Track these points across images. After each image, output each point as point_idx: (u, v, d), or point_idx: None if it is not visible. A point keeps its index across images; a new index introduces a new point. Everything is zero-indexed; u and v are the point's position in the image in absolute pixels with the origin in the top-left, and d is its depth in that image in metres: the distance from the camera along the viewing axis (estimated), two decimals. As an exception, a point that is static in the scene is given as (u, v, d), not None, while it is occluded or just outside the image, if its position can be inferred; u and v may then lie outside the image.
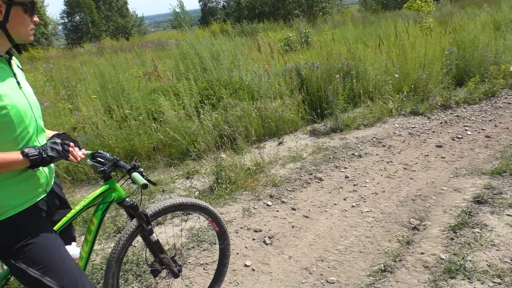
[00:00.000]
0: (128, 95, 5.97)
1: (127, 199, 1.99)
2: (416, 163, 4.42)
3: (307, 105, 5.98)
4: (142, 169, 1.90)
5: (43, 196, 1.66)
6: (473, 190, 3.65)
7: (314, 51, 10.20)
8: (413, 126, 5.49)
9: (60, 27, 41.10)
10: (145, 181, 1.75)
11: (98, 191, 1.91)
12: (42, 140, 1.68)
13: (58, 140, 1.62)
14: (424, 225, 3.18)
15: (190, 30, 8.89)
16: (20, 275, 1.54)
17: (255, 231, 3.29)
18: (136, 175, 1.81)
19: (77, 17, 40.13)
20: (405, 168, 4.31)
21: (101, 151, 2.08)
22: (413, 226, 3.17)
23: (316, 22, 23.69)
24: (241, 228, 3.35)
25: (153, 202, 3.94)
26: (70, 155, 1.64)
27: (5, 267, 2.60)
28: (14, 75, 1.58)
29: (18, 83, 1.58)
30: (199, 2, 46.90)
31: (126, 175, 1.95)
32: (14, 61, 1.63)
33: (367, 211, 3.49)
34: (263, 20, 25.13)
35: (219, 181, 4.02)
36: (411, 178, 4.08)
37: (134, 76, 8.86)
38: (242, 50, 7.90)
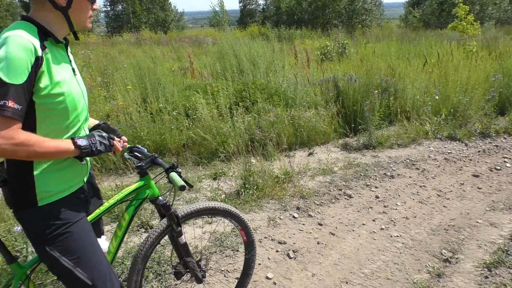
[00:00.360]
0: (163, 89, 6.00)
1: (160, 197, 1.95)
2: (451, 190, 4.25)
3: (341, 118, 5.87)
4: (180, 170, 1.86)
5: (81, 184, 1.65)
6: (511, 226, 3.47)
7: (351, 63, 10.08)
8: (449, 151, 5.30)
9: (102, 14, 42.15)
10: (183, 183, 1.71)
11: (133, 186, 1.88)
12: (86, 128, 1.68)
13: (105, 134, 1.61)
14: (456, 258, 3.04)
15: (228, 30, 8.91)
16: (52, 264, 1.52)
17: (279, 242, 3.22)
18: (174, 175, 1.77)
19: (120, 7, 41.07)
20: (438, 195, 4.15)
21: (139, 146, 2.06)
22: (444, 258, 3.03)
23: (354, 33, 23.45)
24: (265, 238, 3.29)
25: (176, 199, 3.93)
26: (114, 149, 1.64)
27: (33, 255, 2.63)
28: (70, 61, 1.57)
29: (73, 70, 1.58)
30: (239, 3, 47.22)
31: (162, 172, 1.92)
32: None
33: (397, 236, 3.36)
34: (301, 27, 25.03)
35: (246, 186, 3.97)
36: (444, 206, 3.92)
37: (169, 70, 8.94)
38: (280, 56, 7.86)
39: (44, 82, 1.38)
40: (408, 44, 13.05)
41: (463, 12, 11.59)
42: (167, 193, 2.05)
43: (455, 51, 8.15)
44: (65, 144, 1.44)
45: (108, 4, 41.35)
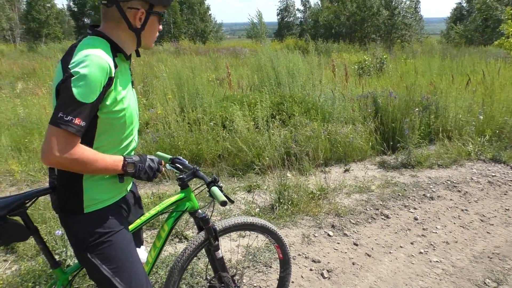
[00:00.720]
0: (201, 99, 6.09)
1: (199, 210, 1.96)
2: (495, 216, 4.05)
3: (379, 134, 5.75)
4: (221, 184, 1.86)
5: (125, 193, 1.68)
6: (561, 258, 3.26)
7: (390, 79, 9.90)
8: (493, 174, 5.07)
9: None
10: (224, 198, 1.71)
11: (173, 198, 1.89)
12: (136, 136, 1.72)
13: (156, 162, 1.64)
14: (501, 289, 2.88)
15: (264, 42, 8.96)
16: (92, 271, 1.55)
17: (313, 261, 3.16)
18: (215, 189, 1.77)
19: (161, 17, 42.26)
20: (482, 220, 3.97)
21: (181, 158, 2.08)
22: (488, 288, 2.88)
23: (393, 48, 23.10)
24: (299, 255, 3.23)
25: (207, 209, 3.94)
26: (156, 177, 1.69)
27: (72, 259, 2.70)
28: (131, 75, 1.63)
29: (132, 83, 1.63)
30: (277, 15, 47.64)
31: (202, 185, 1.92)
32: None
33: (436, 261, 3.23)
34: (339, 40, 24.91)
35: (281, 200, 3.93)
36: (488, 232, 3.74)
37: (207, 80, 9.07)
38: (317, 69, 7.82)
39: (110, 99, 1.43)
40: (450, 60, 12.68)
41: (511, 29, 11.17)
42: (207, 207, 2.05)
43: (502, 69, 7.85)
44: (115, 166, 1.50)
45: (150, 14, 42.59)
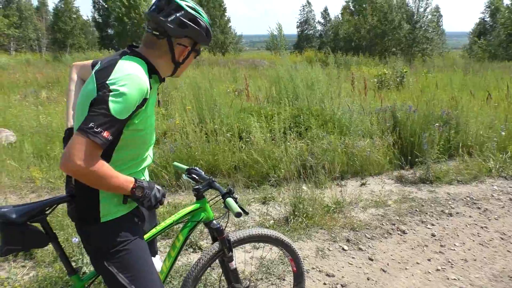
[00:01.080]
0: (219, 110, 6.15)
1: (214, 221, 1.97)
2: (516, 235, 3.95)
3: (397, 149, 5.68)
4: (237, 196, 1.87)
5: None
6: None
7: (409, 93, 9.81)
8: (515, 192, 4.94)
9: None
10: (239, 210, 1.72)
11: (189, 208, 1.92)
12: (151, 152, 1.76)
13: (159, 196, 1.65)
14: (521, 311, 2.79)
15: (284, 54, 9.02)
16: (109, 279, 1.58)
17: (327, 275, 3.13)
18: (230, 201, 1.79)
19: (184, 29, 42.94)
20: (502, 238, 3.86)
21: (197, 168, 2.11)
22: (508, 310, 2.79)
23: (414, 62, 22.90)
24: (313, 268, 3.21)
25: (221, 220, 3.94)
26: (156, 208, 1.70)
27: (88, 266, 2.74)
28: (157, 94, 1.69)
29: (159, 102, 1.70)
30: (297, 28, 47.87)
31: (218, 196, 1.94)
32: None
33: (454, 279, 3.15)
34: (358, 53, 24.84)
35: (295, 213, 3.92)
36: (508, 251, 3.63)
37: (225, 91, 9.16)
38: (336, 82, 7.81)
39: (138, 118, 1.49)
40: (472, 75, 12.51)
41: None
42: (221, 218, 2.06)
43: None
44: (125, 186, 1.51)
45: (172, 26, 43.33)
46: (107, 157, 1.49)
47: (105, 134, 1.35)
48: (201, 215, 1.94)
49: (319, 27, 47.71)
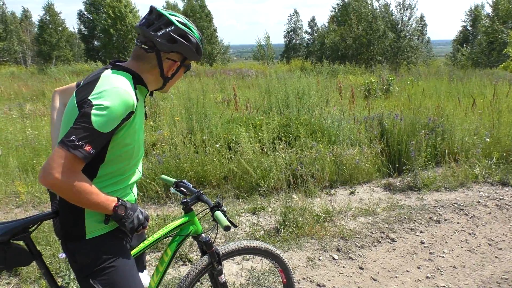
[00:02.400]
0: (209, 121, 6.14)
1: (203, 234, 1.96)
2: (503, 240, 3.98)
3: (385, 157, 5.73)
4: (225, 209, 1.86)
5: None
6: None
7: (395, 101, 9.93)
8: (501, 197, 5.01)
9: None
10: (228, 223, 1.71)
11: (177, 222, 1.90)
12: (140, 166, 1.73)
13: (142, 218, 1.60)
14: (511, 316, 2.81)
15: (271, 63, 9.08)
16: None
17: (318, 285, 3.11)
18: (219, 214, 1.77)
19: (168, 39, 42.97)
20: (490, 244, 3.90)
21: (185, 181, 2.10)
22: (497, 315, 2.81)
23: (399, 70, 23.21)
24: (304, 279, 3.19)
25: (210, 233, 3.91)
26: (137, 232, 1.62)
27: (75, 282, 2.69)
28: (144, 107, 1.67)
29: (146, 115, 1.67)
30: (284, 38, 48.25)
31: (206, 209, 1.93)
32: None
33: (444, 286, 3.17)
34: (345, 62, 25.10)
35: (285, 223, 3.91)
36: (496, 257, 3.67)
37: (214, 101, 9.15)
38: (324, 91, 7.88)
39: (125, 132, 1.47)
40: (457, 83, 12.71)
41: (516, 52, 11.22)
42: (210, 231, 2.05)
43: (510, 91, 7.84)
44: (106, 205, 1.47)
45: (158, 36, 43.32)
46: (92, 172, 1.47)
47: (87, 147, 1.32)
48: (190, 229, 1.92)
49: (306, 37, 48.21)
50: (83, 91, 1.42)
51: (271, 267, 3.25)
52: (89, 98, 1.37)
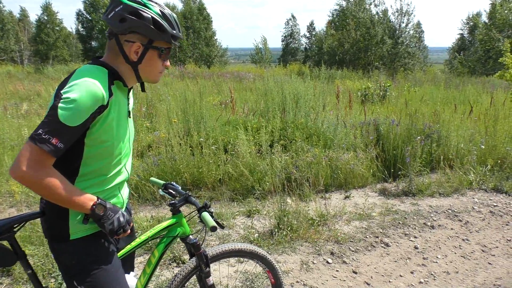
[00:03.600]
0: (205, 123, 6.14)
1: (191, 236, 1.96)
2: (497, 247, 4.00)
3: (380, 162, 5.75)
4: (212, 210, 1.87)
5: None
6: None
7: (392, 106, 9.97)
8: (495, 204, 5.03)
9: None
10: (214, 224, 1.71)
11: (165, 224, 1.90)
12: (127, 162, 1.70)
13: (123, 221, 1.55)
14: (503, 322, 2.82)
15: (269, 67, 9.11)
16: None
17: (312, 288, 3.12)
18: (206, 215, 1.77)
19: (167, 41, 42.99)
20: (483, 250, 3.92)
21: (174, 183, 2.10)
22: (489, 321, 2.82)
23: (396, 76, 23.31)
24: (297, 282, 3.20)
25: (208, 234, 3.91)
26: (118, 236, 1.56)
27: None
28: (128, 105, 1.64)
29: (129, 112, 1.64)
30: (282, 41, 48.38)
31: (194, 211, 1.93)
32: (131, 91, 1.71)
33: (436, 292, 3.18)
34: (342, 67, 25.18)
35: (280, 226, 3.91)
36: (489, 263, 3.68)
37: (211, 104, 9.16)
38: (321, 95, 7.91)
39: (97, 127, 1.43)
40: (453, 90, 12.80)
41: (511, 61, 11.27)
42: (198, 233, 2.05)
43: (507, 100, 7.90)
44: (84, 202, 1.44)
45: (156, 38, 43.34)
46: (74, 170, 1.46)
47: (54, 141, 1.31)
48: (177, 231, 1.92)
49: (303, 41, 48.34)
50: (60, 86, 1.41)
51: (264, 271, 3.24)
52: (61, 92, 1.36)
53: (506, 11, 28.08)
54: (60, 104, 1.32)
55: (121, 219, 1.53)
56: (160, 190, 2.12)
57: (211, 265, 2.17)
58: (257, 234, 3.93)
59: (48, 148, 1.30)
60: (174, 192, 2.05)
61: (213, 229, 1.70)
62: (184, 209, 2.01)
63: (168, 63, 1.62)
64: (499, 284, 3.32)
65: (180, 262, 3.39)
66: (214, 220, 1.76)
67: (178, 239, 1.97)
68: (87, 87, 1.36)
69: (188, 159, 5.12)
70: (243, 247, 2.13)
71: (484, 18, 32.83)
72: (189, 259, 2.01)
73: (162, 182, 2.13)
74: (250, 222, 4.23)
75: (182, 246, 3.62)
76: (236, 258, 3.43)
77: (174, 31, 1.55)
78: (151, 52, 1.54)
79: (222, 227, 1.87)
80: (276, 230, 3.90)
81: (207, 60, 42.17)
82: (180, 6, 43.04)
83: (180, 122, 6.27)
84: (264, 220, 4.29)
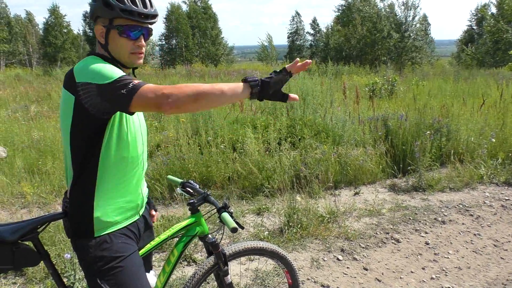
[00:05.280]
0: (213, 122, 6.16)
1: (209, 235, 1.96)
2: (509, 241, 3.96)
3: (390, 157, 5.72)
4: (232, 210, 1.86)
5: (136, 218, 1.69)
6: None
7: (400, 101, 9.90)
8: (506, 198, 4.98)
9: (157, 48, 44.50)
10: (235, 225, 1.69)
11: (184, 223, 1.90)
12: (146, 163, 1.74)
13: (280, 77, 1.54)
14: (516, 317, 2.79)
15: (275, 64, 9.09)
16: None
17: (323, 285, 3.12)
18: (226, 215, 1.76)
19: (174, 41, 43.22)
20: (495, 245, 3.88)
21: (192, 181, 2.10)
22: (503, 316, 2.79)
23: (404, 71, 23.14)
24: (308, 279, 3.20)
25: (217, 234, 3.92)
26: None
27: (80, 282, 2.71)
28: None
29: None
30: (288, 38, 48.24)
31: (213, 210, 1.93)
32: None
33: (448, 287, 3.16)
34: (349, 63, 25.06)
35: (290, 224, 3.91)
36: (502, 258, 3.65)
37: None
38: (328, 91, 7.88)
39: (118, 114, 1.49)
40: (462, 83, 12.66)
41: (521, 53, 11.15)
42: (216, 232, 2.05)
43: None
44: (235, 86, 1.46)
45: (163, 38, 43.62)
46: (94, 158, 1.49)
47: (135, 81, 1.36)
48: (196, 229, 1.92)
49: (309, 37, 48.13)
50: (67, 83, 1.45)
51: (275, 268, 3.25)
52: (77, 82, 1.40)
53: (514, 2, 27.71)
54: (94, 82, 1.37)
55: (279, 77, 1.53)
56: (178, 188, 2.11)
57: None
58: (267, 232, 3.93)
59: (143, 83, 1.36)
60: (192, 191, 2.04)
61: (234, 230, 1.69)
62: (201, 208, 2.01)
63: (142, 42, 1.59)
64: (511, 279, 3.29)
65: (191, 261, 3.41)
66: (234, 221, 1.74)
67: (197, 239, 1.97)
68: (100, 63, 1.44)
69: (197, 158, 5.14)
70: (264, 246, 2.13)
71: (493, 9, 32.42)
72: (207, 258, 2.01)
73: (179, 180, 2.12)
74: (260, 220, 4.23)
75: (193, 246, 3.63)
76: (247, 257, 3.44)
77: (123, 5, 1.50)
78: (112, 32, 1.54)
79: (242, 228, 1.86)
80: (286, 227, 3.90)
81: (213, 58, 42.25)
82: (184, 7, 43.00)
83: (188, 122, 6.29)
84: (274, 218, 4.29)
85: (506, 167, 5.67)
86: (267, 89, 1.48)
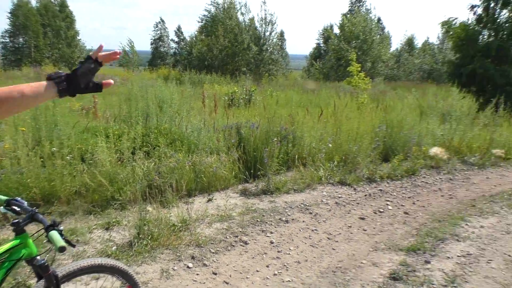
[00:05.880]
0: (59, 131, 5.67)
1: (37, 257, 1.81)
2: (340, 233, 4.53)
3: (242, 163, 6.03)
4: (62, 227, 1.74)
5: None
6: (389, 265, 3.78)
7: (256, 110, 10.53)
8: (340, 195, 5.68)
9: (-1, 45, 39.05)
10: (63, 243, 1.58)
11: (6, 246, 1.71)
12: None
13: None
14: (340, 300, 3.21)
15: (137, 70, 8.84)
16: None
17: (171, 295, 3.13)
18: (54, 234, 1.64)
19: (21, 39, 38.50)
20: (328, 238, 4.40)
21: (19, 199, 1.90)
22: (330, 301, 3.18)
23: (261, 81, 24.64)
24: (156, 290, 3.17)
25: (47, 255, 3.64)
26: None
27: None
28: None
29: None
30: (151, 45, 47.23)
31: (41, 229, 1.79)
32: None
33: (288, 281, 3.47)
34: (211, 72, 25.66)
35: (140, 236, 3.83)
36: (333, 249, 4.15)
37: (70, 109, 8.49)
38: (187, 100, 7.95)
39: None
40: (310, 94, 14.05)
41: (355, 70, 12.93)
42: (47, 252, 1.90)
43: (349, 102, 8.96)
44: (39, 85, 1.29)
45: (7, 36, 38.52)
46: None
47: None
48: (22, 252, 1.75)
49: (173, 45, 47.86)
50: None
51: (122, 285, 3.14)
52: None
53: (351, 25, 31.88)
54: None
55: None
56: (1, 207, 1.89)
57: (64, 285, 2.02)
58: (115, 247, 3.78)
59: None
60: (18, 209, 1.85)
61: (62, 249, 1.58)
62: (33, 227, 1.85)
63: None
64: (340, 266, 3.76)
65: None
66: (64, 239, 1.63)
67: (23, 262, 1.79)
68: None
69: (38, 171, 4.68)
70: (102, 262, 2.04)
71: (336, 30, 36.77)
72: (37, 282, 1.85)
73: (4, 198, 1.90)
74: (108, 235, 4.05)
75: (29, 270, 3.29)
76: (92, 276, 3.25)
77: None
78: None
79: (73, 246, 1.75)
80: (136, 240, 3.81)
81: (69, 61, 38.93)
82: (34, 2, 38.77)
83: (30, 131, 5.68)
84: (124, 231, 4.15)
85: (340, 169, 6.48)
86: (77, 83, 1.38)
